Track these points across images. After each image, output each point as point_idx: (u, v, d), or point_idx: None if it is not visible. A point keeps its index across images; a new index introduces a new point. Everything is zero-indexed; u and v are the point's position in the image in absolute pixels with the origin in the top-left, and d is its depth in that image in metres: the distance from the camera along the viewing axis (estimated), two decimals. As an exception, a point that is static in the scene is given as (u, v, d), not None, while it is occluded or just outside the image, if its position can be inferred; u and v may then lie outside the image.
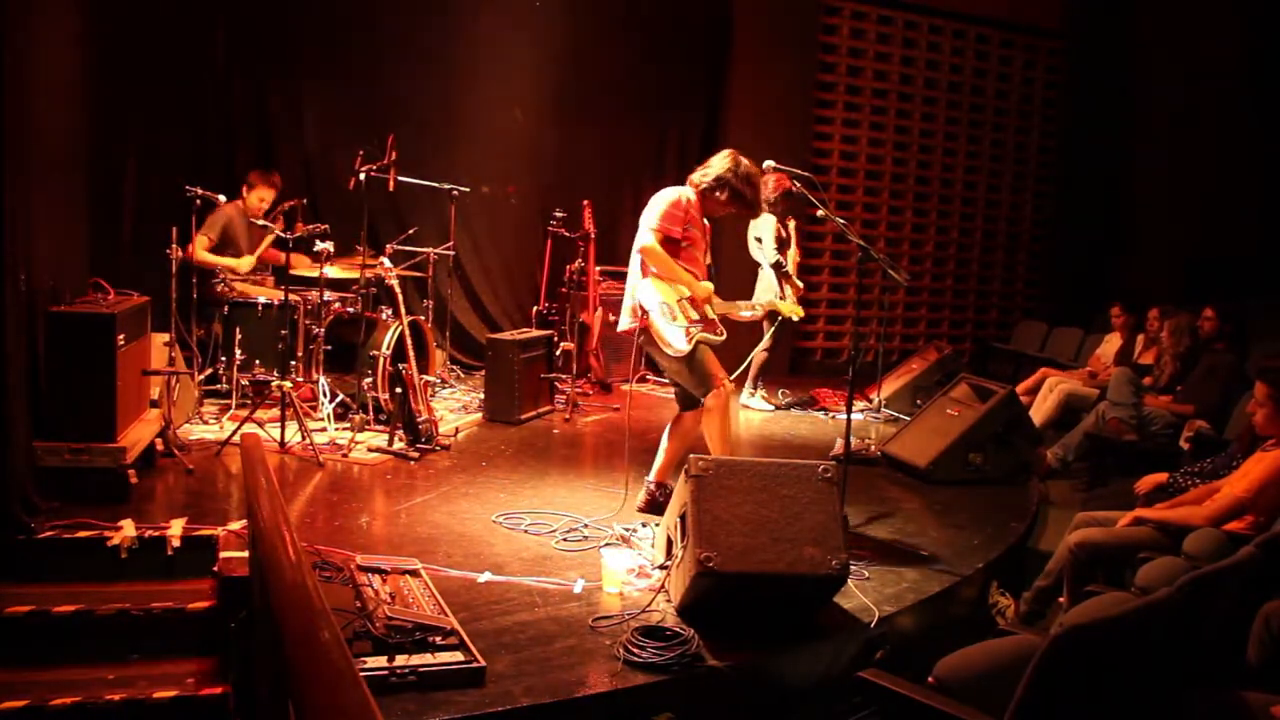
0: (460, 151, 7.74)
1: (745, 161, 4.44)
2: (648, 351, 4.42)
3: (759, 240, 6.97)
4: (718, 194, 4.40)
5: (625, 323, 4.44)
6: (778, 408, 7.32)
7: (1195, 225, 8.64)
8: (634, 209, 8.49)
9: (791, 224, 7.10)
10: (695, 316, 4.32)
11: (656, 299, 4.26)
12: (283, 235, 5.51)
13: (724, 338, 4.43)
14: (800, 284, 7.08)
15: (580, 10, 7.94)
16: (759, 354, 7.19)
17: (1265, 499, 3.71)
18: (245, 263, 6.05)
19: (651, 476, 4.57)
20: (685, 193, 4.41)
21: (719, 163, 4.42)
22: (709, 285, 4.43)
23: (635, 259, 4.38)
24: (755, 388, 7.32)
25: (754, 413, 7.21)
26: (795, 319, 5.10)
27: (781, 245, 6.97)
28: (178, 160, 6.56)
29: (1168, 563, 3.65)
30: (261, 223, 5.88)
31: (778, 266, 6.89)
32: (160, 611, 3.19)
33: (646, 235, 4.30)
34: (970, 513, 5.01)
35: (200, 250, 5.84)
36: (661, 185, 8.83)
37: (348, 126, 7.13)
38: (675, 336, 4.22)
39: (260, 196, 6.11)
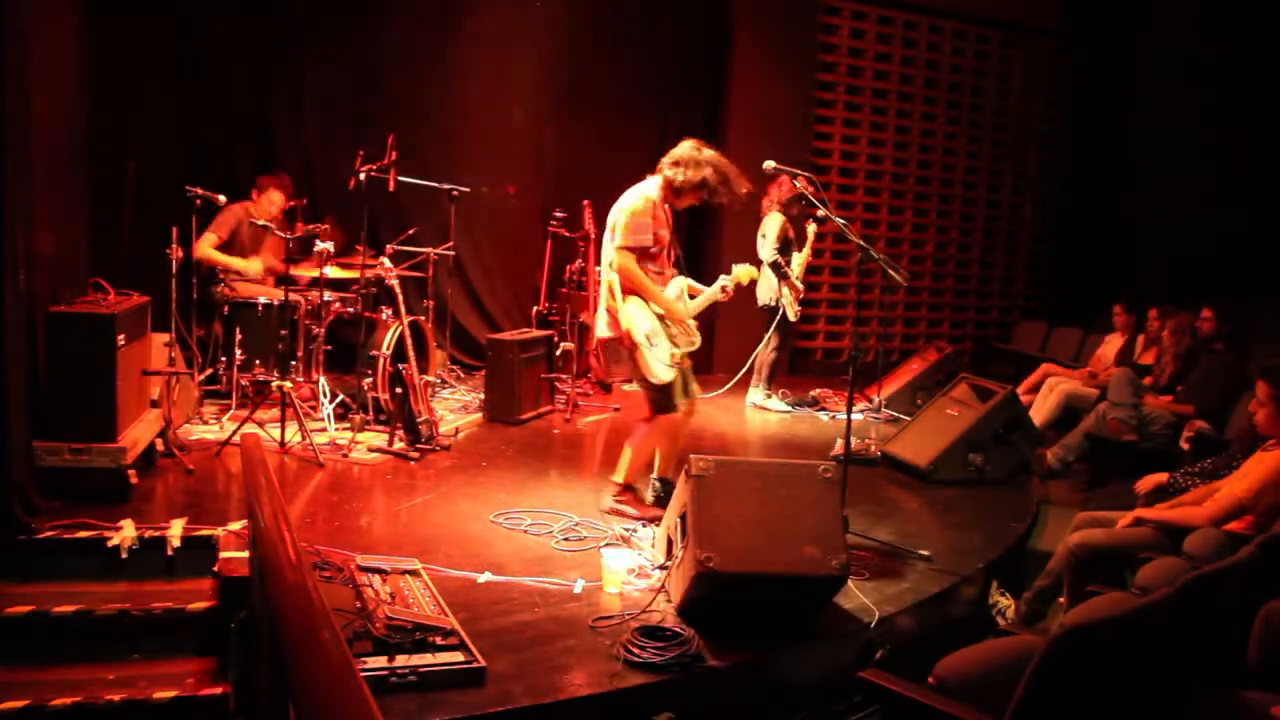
0: (460, 151, 7.73)
1: (714, 155, 4.29)
2: (613, 356, 4.39)
3: (763, 237, 6.97)
4: (693, 192, 4.29)
5: (603, 330, 4.39)
6: (791, 409, 7.30)
7: (1195, 225, 8.63)
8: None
9: (812, 228, 7.04)
10: (675, 333, 4.32)
11: (644, 326, 4.23)
12: (281, 235, 5.50)
13: (698, 344, 4.42)
14: (800, 286, 7.05)
15: (580, 10, 7.94)
16: (766, 354, 7.18)
17: (1266, 499, 3.71)
18: (255, 266, 6.04)
19: (654, 474, 4.59)
20: (648, 193, 4.29)
21: (694, 160, 4.24)
22: (680, 303, 4.36)
23: (607, 271, 4.32)
24: (768, 388, 7.31)
25: (759, 413, 7.20)
26: (743, 282, 4.64)
27: (785, 245, 6.95)
28: (178, 160, 6.56)
29: (1168, 563, 3.65)
30: (262, 223, 5.88)
31: (775, 266, 6.88)
32: (160, 611, 3.19)
33: (619, 255, 4.21)
34: (970, 513, 5.01)
35: (207, 247, 5.84)
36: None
37: (348, 126, 7.13)
38: (660, 366, 4.23)
39: (271, 199, 6.10)
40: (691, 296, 4.44)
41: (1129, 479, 4.76)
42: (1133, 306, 7.37)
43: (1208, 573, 2.35)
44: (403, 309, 5.62)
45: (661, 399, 4.34)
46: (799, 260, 7.05)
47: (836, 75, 9.14)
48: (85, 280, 4.51)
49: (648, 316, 4.25)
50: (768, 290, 7.00)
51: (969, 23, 9.64)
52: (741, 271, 4.56)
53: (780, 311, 6.96)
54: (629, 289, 4.24)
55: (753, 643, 3.23)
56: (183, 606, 3.22)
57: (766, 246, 6.91)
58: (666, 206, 4.36)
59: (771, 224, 6.93)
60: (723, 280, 4.48)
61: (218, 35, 6.84)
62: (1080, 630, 2.15)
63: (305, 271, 5.92)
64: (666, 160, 4.31)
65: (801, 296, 7.09)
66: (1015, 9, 9.79)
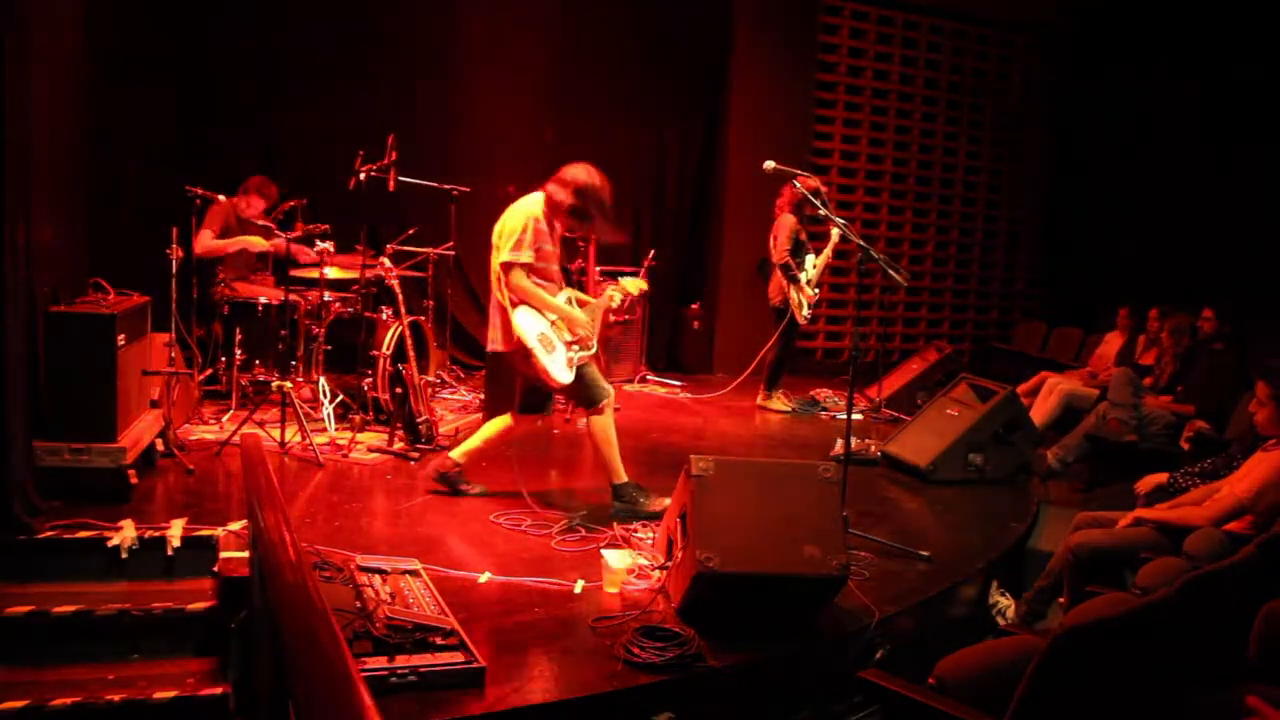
0: (460, 151, 7.74)
1: (597, 183, 4.38)
2: (524, 372, 4.42)
3: (774, 239, 6.95)
4: (563, 215, 4.39)
5: (496, 342, 4.43)
6: (794, 410, 7.29)
7: (1196, 224, 8.63)
8: (634, 209, 8.55)
9: (835, 232, 6.97)
10: (570, 338, 4.39)
11: (534, 330, 4.29)
12: (280, 235, 5.50)
13: (595, 350, 4.50)
14: (811, 292, 7.00)
15: (580, 10, 7.94)
16: (770, 354, 7.16)
17: (1266, 499, 3.71)
18: (259, 240, 6.04)
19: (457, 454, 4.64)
20: (530, 209, 4.36)
21: (573, 183, 4.35)
22: (575, 310, 4.43)
23: (496, 287, 4.37)
24: (769, 389, 7.29)
25: (759, 413, 7.19)
26: (633, 294, 4.85)
27: (797, 248, 6.92)
28: (178, 160, 6.56)
29: (1168, 563, 3.65)
30: (262, 224, 5.88)
31: (784, 269, 6.86)
32: (160, 611, 3.19)
33: (503, 270, 4.29)
34: (970, 513, 5.01)
35: (208, 240, 5.85)
36: (662, 185, 8.90)
37: (348, 126, 7.13)
38: (557, 368, 4.29)
39: (249, 203, 6.09)
40: (581, 307, 4.54)
41: (1129, 479, 4.77)
42: (1134, 308, 7.37)
43: (1208, 573, 2.35)
44: (403, 309, 5.62)
45: (584, 395, 4.45)
46: (815, 262, 7.01)
47: (836, 75, 9.13)
48: (85, 280, 4.51)
49: (538, 322, 4.33)
50: (778, 291, 6.98)
51: (969, 23, 9.63)
52: (630, 283, 4.78)
53: (788, 313, 6.94)
54: (518, 300, 4.32)
55: (753, 643, 3.23)
56: (183, 606, 3.22)
57: (777, 249, 6.89)
58: (554, 222, 4.43)
59: (783, 227, 6.91)
60: (611, 291, 4.63)
61: (218, 35, 6.84)
62: (1080, 630, 2.15)
63: (305, 272, 5.92)
64: (555, 177, 4.41)
65: (814, 300, 7.04)
66: (1015, 9, 9.78)
